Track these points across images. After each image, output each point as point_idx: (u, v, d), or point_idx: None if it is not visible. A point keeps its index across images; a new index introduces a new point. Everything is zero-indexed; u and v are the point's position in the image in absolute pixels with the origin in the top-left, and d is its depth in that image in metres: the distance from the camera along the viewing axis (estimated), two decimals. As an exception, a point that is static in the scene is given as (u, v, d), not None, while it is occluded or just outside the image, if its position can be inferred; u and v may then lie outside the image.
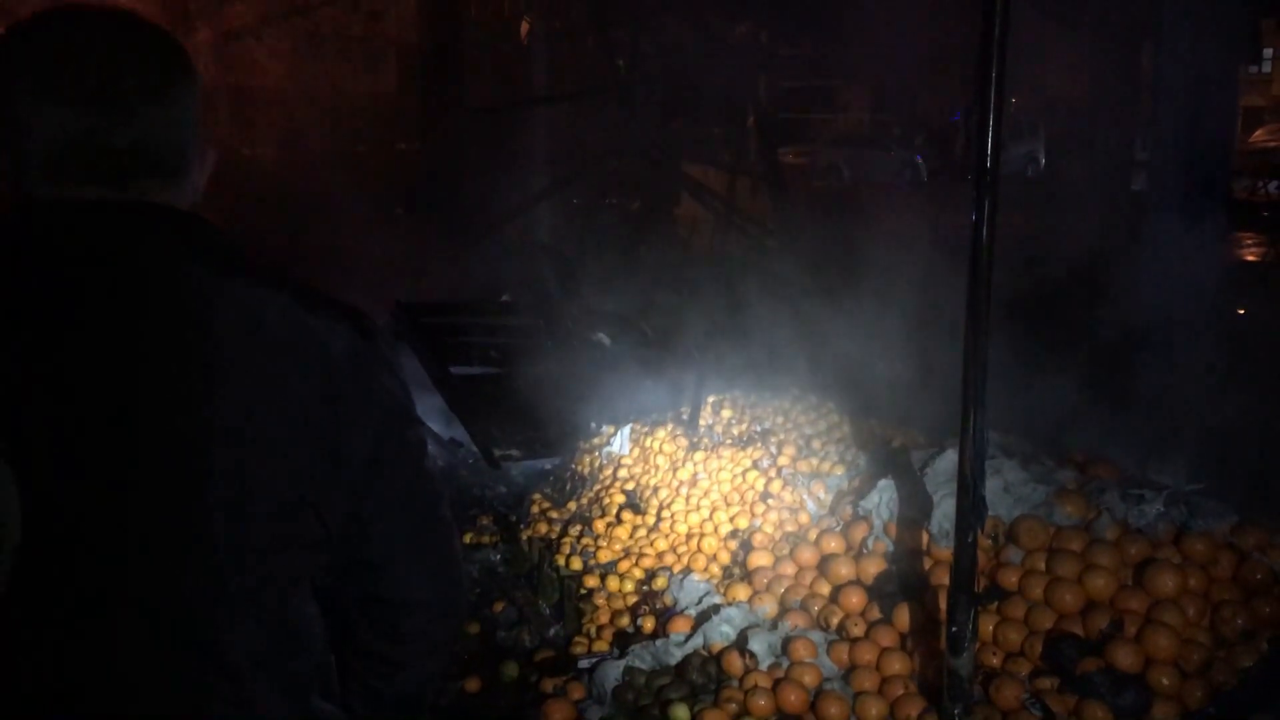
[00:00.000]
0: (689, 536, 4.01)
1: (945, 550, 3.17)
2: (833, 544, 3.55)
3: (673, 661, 3.28)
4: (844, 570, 3.40)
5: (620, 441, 4.91)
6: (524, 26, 12.66)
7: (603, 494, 4.55)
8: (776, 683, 3.02)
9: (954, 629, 2.63)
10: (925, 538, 3.29)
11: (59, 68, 1.19)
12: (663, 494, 4.33)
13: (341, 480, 1.28)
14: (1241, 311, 6.94)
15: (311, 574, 1.32)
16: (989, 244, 2.48)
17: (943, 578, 3.09)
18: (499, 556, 4.58)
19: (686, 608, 3.57)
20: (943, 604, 2.95)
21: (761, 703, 2.94)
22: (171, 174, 1.26)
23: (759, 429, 4.73)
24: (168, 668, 1.21)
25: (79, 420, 1.17)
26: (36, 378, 1.16)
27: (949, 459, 3.32)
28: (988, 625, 2.96)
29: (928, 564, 3.24)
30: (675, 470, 4.43)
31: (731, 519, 4.00)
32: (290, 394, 1.23)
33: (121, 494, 1.18)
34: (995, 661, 2.93)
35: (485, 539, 4.70)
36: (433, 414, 5.84)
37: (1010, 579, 3.07)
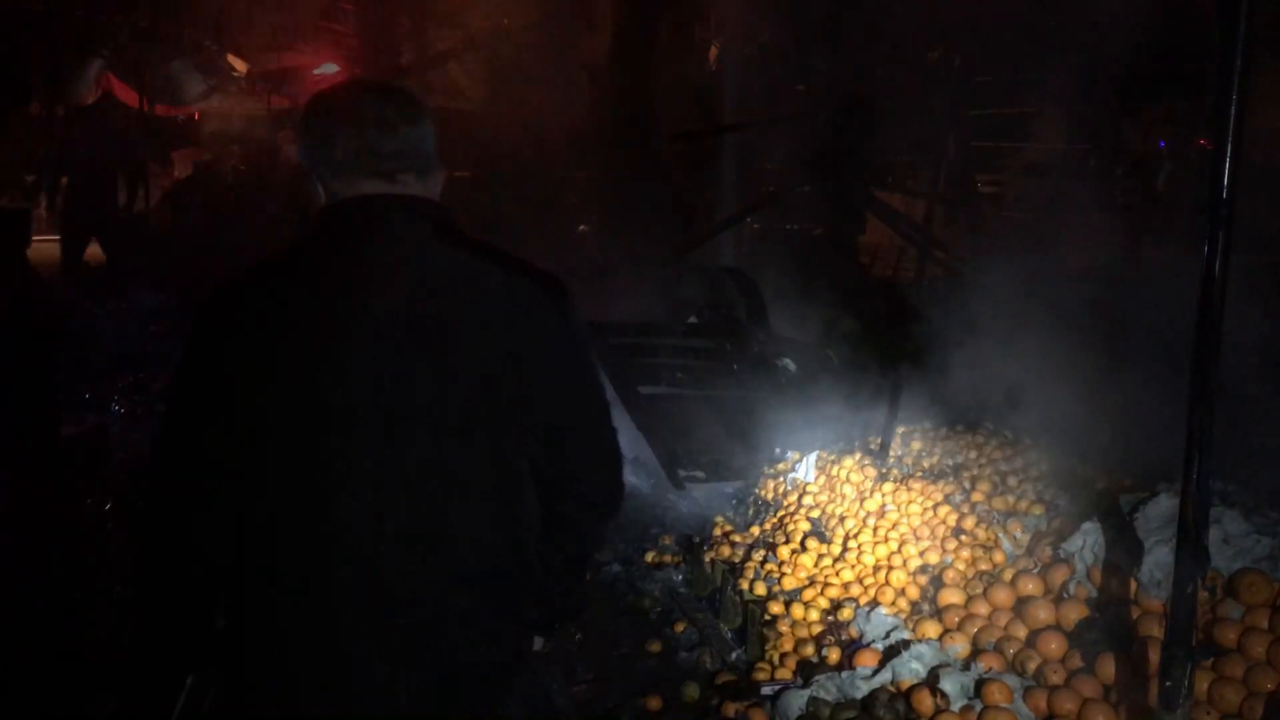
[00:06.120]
0: (876, 569, 3.94)
1: (1156, 601, 3.02)
2: (1030, 586, 3.43)
3: (859, 695, 3.22)
4: (1042, 614, 3.28)
5: (805, 468, 4.87)
6: (713, 52, 12.76)
7: (787, 520, 4.51)
8: (969, 726, 2.93)
9: (1168, 684, 2.49)
10: (1133, 586, 3.14)
11: (349, 106, 1.87)
12: (849, 524, 4.27)
13: (546, 386, 1.87)
14: None
15: (526, 447, 1.89)
16: (1222, 280, 2.36)
17: (1152, 629, 2.95)
18: (681, 577, 4.60)
19: (873, 641, 3.51)
20: (1153, 657, 2.81)
21: (954, 745, 2.86)
22: (423, 172, 1.88)
23: (951, 463, 4.62)
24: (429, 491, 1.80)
25: (390, 357, 1.77)
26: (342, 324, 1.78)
27: (1163, 504, 3.16)
28: (1203, 683, 2.79)
29: (1135, 613, 3.09)
30: (862, 500, 4.36)
31: (921, 553, 3.90)
32: (503, 332, 1.82)
33: (409, 402, 1.78)
34: (1210, 721, 2.77)
35: (667, 559, 4.73)
36: (620, 433, 5.91)
37: (1229, 635, 2.90)
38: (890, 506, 4.24)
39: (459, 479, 1.81)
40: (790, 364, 5.92)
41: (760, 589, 4.04)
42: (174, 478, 1.84)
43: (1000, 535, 3.84)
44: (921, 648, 3.30)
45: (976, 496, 4.10)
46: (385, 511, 1.78)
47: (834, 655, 3.54)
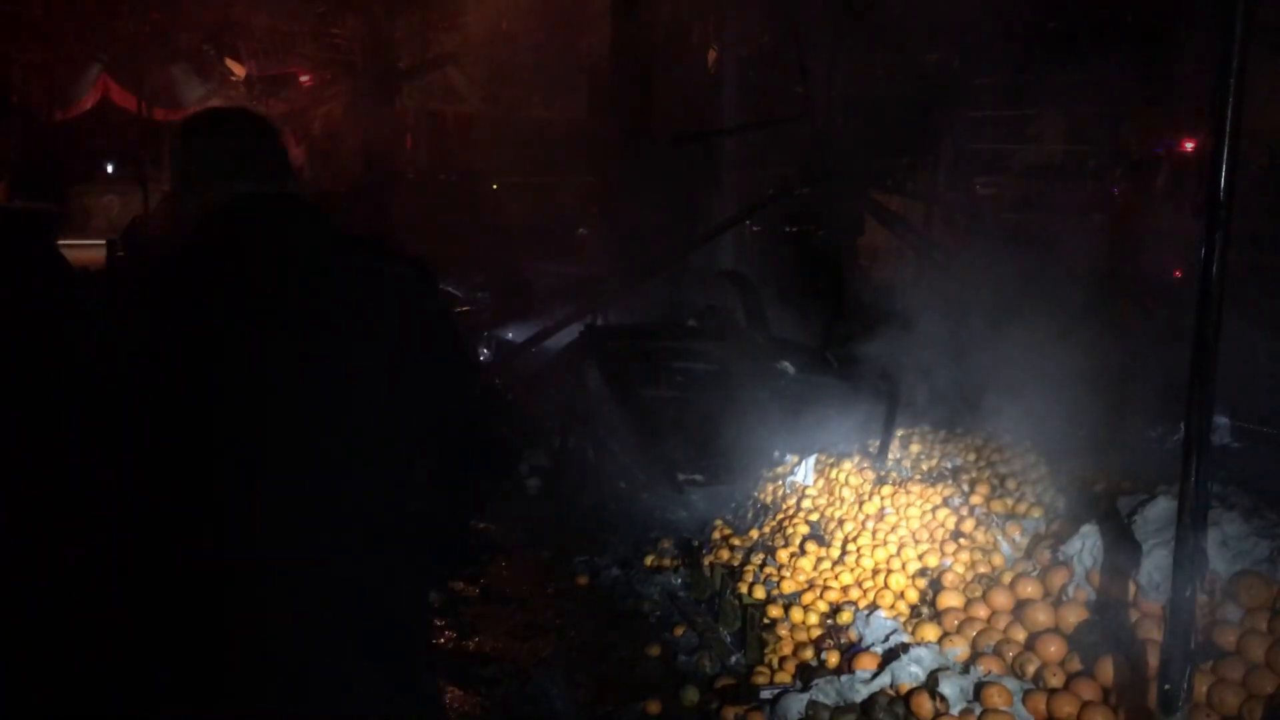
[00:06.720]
0: (875, 572, 3.93)
1: (1155, 603, 3.01)
2: (1029, 589, 3.42)
3: (858, 699, 3.22)
4: (1042, 617, 3.27)
5: (804, 471, 4.86)
6: (711, 55, 12.73)
7: (786, 523, 4.50)
8: (969, 729, 2.92)
9: (1167, 686, 2.48)
10: (1132, 589, 3.13)
11: (223, 120, 2.17)
12: (848, 527, 4.26)
13: (417, 354, 2.06)
14: None
15: (408, 411, 2.06)
16: (1220, 280, 2.35)
17: (1152, 631, 2.94)
18: (680, 580, 4.59)
19: (872, 644, 3.50)
20: (1152, 659, 2.81)
21: (953, 749, 2.86)
22: (286, 176, 2.14)
23: (949, 465, 4.61)
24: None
25: (270, 336, 1.94)
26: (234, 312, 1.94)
27: (1161, 506, 3.16)
28: (1202, 685, 2.79)
29: (1134, 616, 3.08)
30: (861, 503, 4.35)
31: (920, 557, 3.90)
32: (376, 309, 2.02)
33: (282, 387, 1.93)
34: (1209, 724, 2.76)
35: (666, 562, 4.71)
36: (619, 436, 5.90)
37: (1227, 638, 2.89)
38: (889, 509, 4.23)
39: (353, 445, 1.98)
40: (789, 367, 5.91)
41: (759, 592, 4.03)
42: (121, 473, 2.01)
43: (999, 538, 3.83)
44: (921, 651, 3.30)
45: (975, 499, 4.09)
46: (288, 481, 1.94)
47: (833, 659, 3.54)
